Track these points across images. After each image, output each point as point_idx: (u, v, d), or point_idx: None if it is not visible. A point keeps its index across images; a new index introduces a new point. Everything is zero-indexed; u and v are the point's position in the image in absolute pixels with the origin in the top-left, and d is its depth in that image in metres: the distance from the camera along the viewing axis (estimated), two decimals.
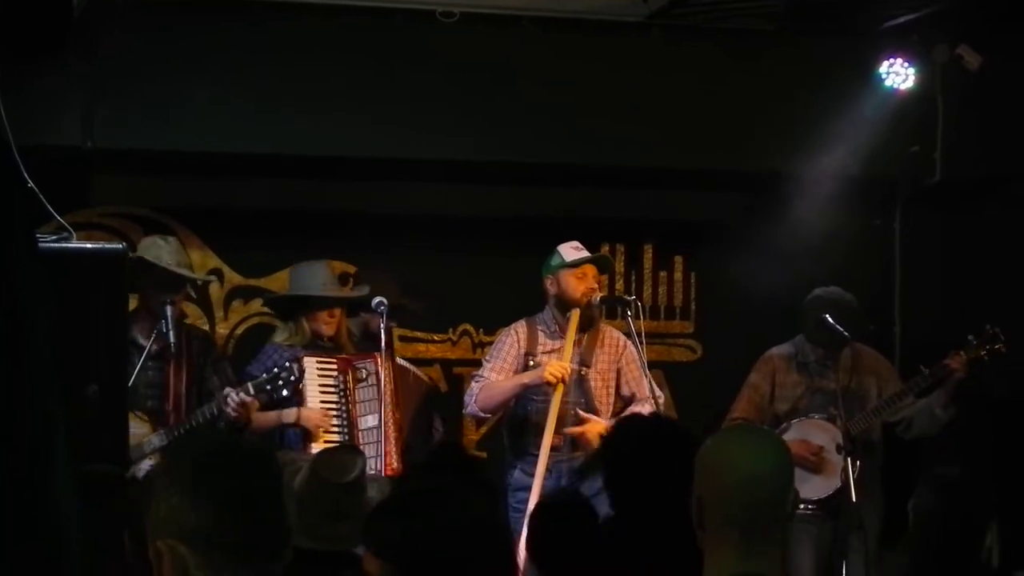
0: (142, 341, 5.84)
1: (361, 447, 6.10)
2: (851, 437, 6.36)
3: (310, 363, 6.19)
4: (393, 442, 6.14)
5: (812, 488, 6.38)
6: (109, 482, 3.22)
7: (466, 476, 3.96)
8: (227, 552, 2.25)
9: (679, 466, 3.00)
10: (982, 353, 6.43)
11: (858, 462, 6.34)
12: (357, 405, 6.25)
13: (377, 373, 6.21)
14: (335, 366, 6.26)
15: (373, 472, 6.10)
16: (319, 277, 6.40)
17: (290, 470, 3.92)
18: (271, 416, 6.10)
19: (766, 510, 2.77)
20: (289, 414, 6.10)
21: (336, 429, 6.22)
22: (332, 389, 6.24)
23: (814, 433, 6.53)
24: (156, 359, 5.92)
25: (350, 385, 6.26)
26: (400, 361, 6.53)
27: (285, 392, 5.96)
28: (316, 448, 6.07)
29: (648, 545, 3.67)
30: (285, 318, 6.49)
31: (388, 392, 6.17)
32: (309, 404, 6.17)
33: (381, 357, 6.15)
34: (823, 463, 6.46)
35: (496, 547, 2.71)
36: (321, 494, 3.89)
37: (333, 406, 6.24)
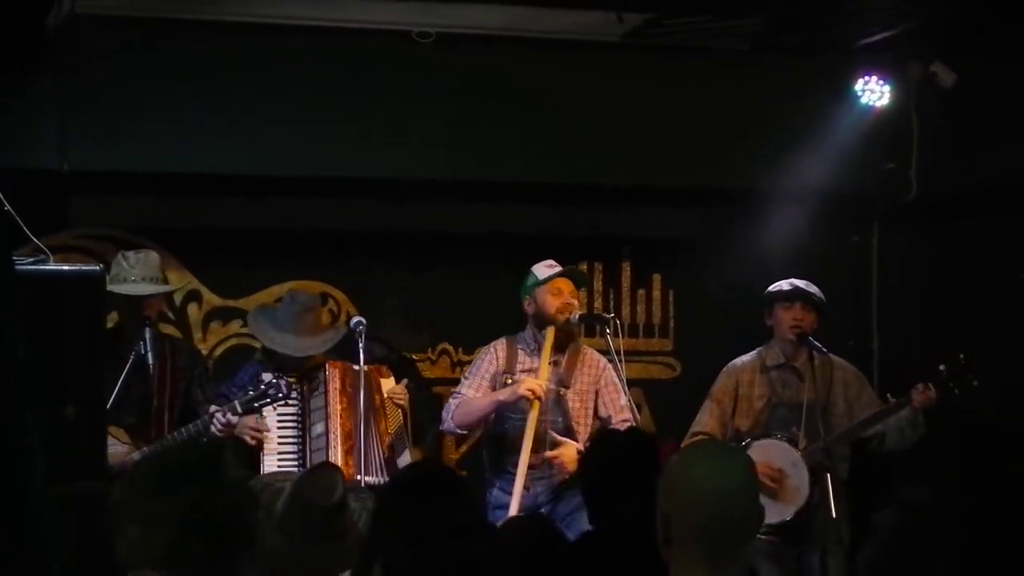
0: (128, 355, 5.82)
1: (311, 455, 6.19)
2: (819, 455, 6.32)
3: (268, 377, 6.11)
4: (337, 449, 6.15)
5: (767, 513, 6.26)
6: (91, 500, 3.21)
7: (454, 497, 3.90)
8: (189, 569, 2.25)
9: (655, 479, 3.01)
10: (951, 386, 6.25)
11: (816, 486, 6.28)
12: (311, 414, 6.29)
13: (326, 381, 6.25)
14: (294, 379, 6.24)
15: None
16: (291, 320, 6.32)
17: (270, 492, 3.86)
18: None
19: (731, 527, 2.79)
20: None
21: (292, 439, 6.24)
22: (292, 402, 6.23)
23: (773, 455, 6.44)
24: (139, 374, 5.90)
25: (305, 395, 6.29)
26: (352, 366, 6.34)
27: (274, 409, 6.01)
28: (266, 458, 6.12)
29: (626, 559, 3.67)
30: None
31: (334, 399, 6.21)
32: (267, 417, 6.16)
33: (361, 374, 6.11)
34: (780, 488, 6.36)
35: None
36: (307, 518, 3.81)
37: (291, 418, 6.26)
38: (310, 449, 6.22)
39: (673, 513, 2.81)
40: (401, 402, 6.47)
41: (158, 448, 5.77)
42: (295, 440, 6.25)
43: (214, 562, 2.28)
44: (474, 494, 4.19)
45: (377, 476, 6.21)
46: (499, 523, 5.95)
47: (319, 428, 6.24)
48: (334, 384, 6.27)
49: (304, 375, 6.30)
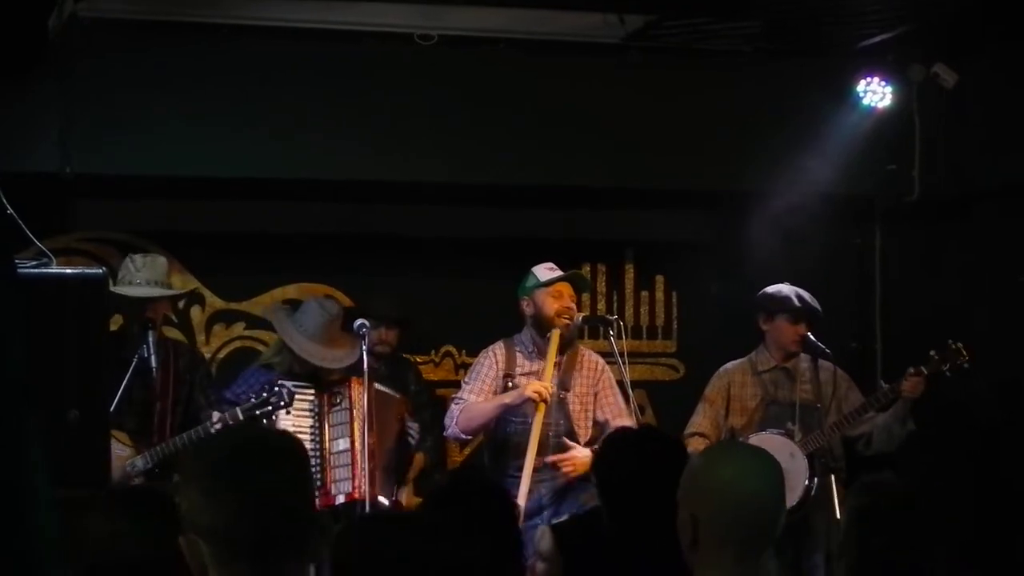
0: (131, 358, 5.79)
1: (331, 470, 6.12)
2: (818, 451, 6.31)
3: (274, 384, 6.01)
4: (363, 465, 6.11)
5: None
6: (90, 504, 3.21)
7: (488, 504, 3.86)
8: (245, 549, 2.25)
9: (673, 477, 2.99)
10: (943, 368, 6.26)
11: (815, 479, 6.29)
12: (330, 429, 6.22)
13: (350, 397, 6.19)
14: (312, 391, 6.19)
15: (343, 496, 6.10)
16: (319, 330, 6.22)
17: None
18: None
19: (763, 528, 2.78)
20: None
21: (310, 453, 6.18)
22: (307, 413, 6.19)
23: (770, 448, 6.34)
24: (141, 377, 5.86)
25: (325, 409, 6.22)
26: (378, 387, 6.33)
27: (275, 417, 5.95)
28: None
29: (645, 558, 3.66)
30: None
31: (359, 416, 6.14)
32: (282, 427, 6.02)
33: (364, 380, 6.10)
34: None
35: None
36: None
37: (307, 430, 6.18)
38: (331, 464, 6.15)
39: (702, 516, 2.78)
40: (412, 440, 6.56)
41: (161, 453, 5.76)
42: (311, 454, 6.14)
43: (261, 550, 2.28)
44: (514, 503, 4.19)
45: (389, 497, 6.23)
46: None
47: (342, 444, 6.15)
48: (359, 401, 6.16)
49: (322, 387, 6.23)
